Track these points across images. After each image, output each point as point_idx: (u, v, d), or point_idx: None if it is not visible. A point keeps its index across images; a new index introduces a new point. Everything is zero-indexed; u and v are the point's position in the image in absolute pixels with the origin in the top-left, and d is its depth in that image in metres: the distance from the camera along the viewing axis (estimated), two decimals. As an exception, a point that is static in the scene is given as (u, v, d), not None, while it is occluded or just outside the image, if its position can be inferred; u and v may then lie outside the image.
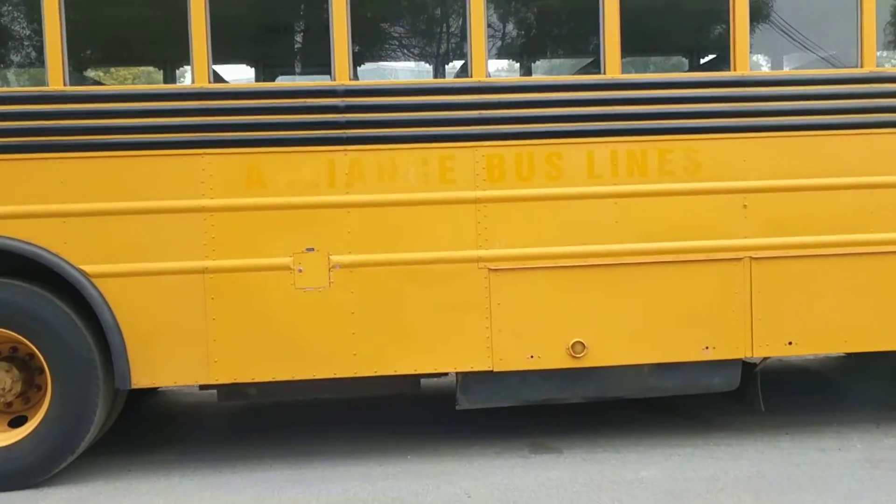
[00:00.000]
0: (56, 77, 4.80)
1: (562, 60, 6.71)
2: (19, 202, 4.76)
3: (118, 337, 4.84)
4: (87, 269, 4.80)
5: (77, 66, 6.06)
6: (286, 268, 4.94)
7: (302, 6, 5.66)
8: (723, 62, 5.32)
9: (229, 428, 6.13)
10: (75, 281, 4.79)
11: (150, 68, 7.93)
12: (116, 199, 4.83)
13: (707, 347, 5.17)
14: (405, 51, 6.11)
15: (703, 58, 6.34)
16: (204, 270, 4.89)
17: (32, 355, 4.90)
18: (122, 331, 4.84)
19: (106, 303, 4.83)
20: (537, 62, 6.78)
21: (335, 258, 4.96)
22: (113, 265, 4.84)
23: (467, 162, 5.00)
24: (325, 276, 4.96)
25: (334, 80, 4.95)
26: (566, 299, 5.08)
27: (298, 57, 6.28)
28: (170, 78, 6.71)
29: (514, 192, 5.03)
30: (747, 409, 5.60)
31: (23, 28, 5.70)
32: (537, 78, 5.27)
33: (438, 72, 5.99)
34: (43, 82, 4.84)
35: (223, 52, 5.97)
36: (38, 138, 4.77)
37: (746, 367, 5.37)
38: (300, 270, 4.94)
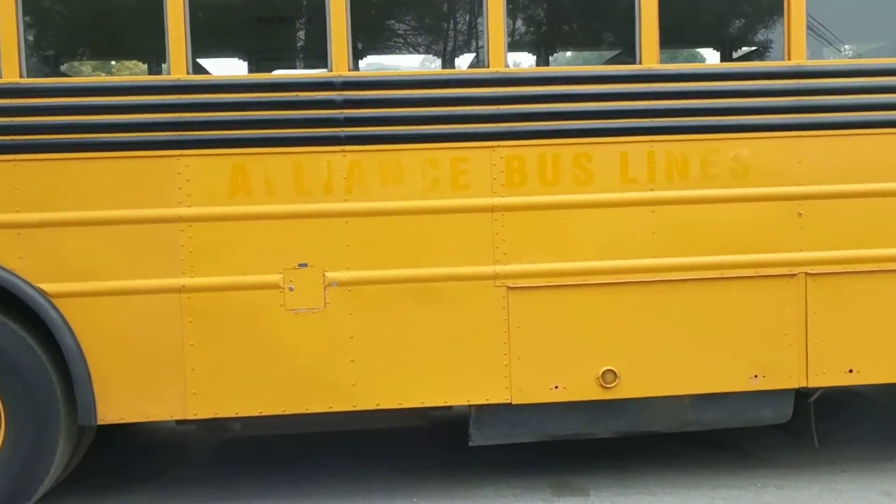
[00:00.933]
0: (10, 68, 4.16)
1: (586, 53, 6.05)
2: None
3: (82, 366, 4.19)
4: (46, 287, 4.16)
5: (44, 58, 5.44)
6: (275, 286, 4.30)
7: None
8: (768, 51, 4.69)
9: (213, 462, 5.49)
10: (32, 301, 4.15)
11: (133, 62, 7.31)
12: (80, 207, 4.19)
13: (756, 376, 4.52)
14: (410, 42, 5.45)
15: (738, 49, 5.69)
16: (181, 289, 4.25)
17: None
18: (86, 359, 4.20)
19: (68, 326, 4.19)
20: (556, 55, 6.14)
21: (331, 275, 4.32)
22: (76, 283, 4.20)
23: (483, 164, 4.36)
24: (320, 296, 4.32)
25: (331, 71, 4.31)
26: (595, 322, 4.44)
27: (297, 50, 5.63)
28: (154, 72, 6.08)
29: (536, 199, 4.39)
30: (798, 442, 4.95)
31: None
32: (564, 68, 4.65)
33: (447, 66, 5.34)
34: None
35: (211, 44, 5.37)
36: (-10, 137, 4.15)
37: (798, 396, 4.72)
38: (291, 289, 4.31)
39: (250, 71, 6.12)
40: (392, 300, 4.36)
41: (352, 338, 4.35)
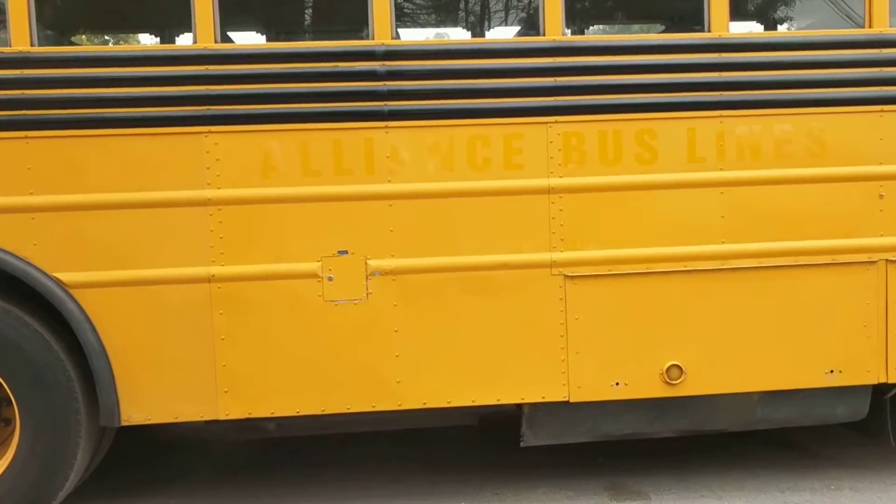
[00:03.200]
0: (21, 36, 3.78)
1: (637, 25, 5.64)
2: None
3: (103, 362, 3.84)
4: (64, 277, 3.80)
5: (55, 28, 5.03)
6: (313, 275, 3.94)
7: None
8: (844, 19, 4.30)
9: (247, 461, 5.14)
10: (48, 293, 3.79)
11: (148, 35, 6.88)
12: (99, 189, 3.82)
13: (832, 371, 4.18)
14: (455, 9, 5.04)
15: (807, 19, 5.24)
16: (210, 279, 3.89)
17: (-1, 384, 3.92)
18: (108, 355, 3.85)
19: (88, 320, 3.83)
20: (617, 26, 5.72)
21: (374, 263, 3.96)
22: (96, 273, 3.84)
23: (539, 142, 3.99)
24: (362, 286, 3.97)
25: (373, 39, 3.93)
26: (660, 313, 4.08)
27: (332, 19, 5.21)
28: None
29: (596, 180, 4.02)
30: (873, 442, 4.62)
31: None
32: (627, 36, 4.27)
33: (497, 35, 4.93)
34: (5, 43, 3.83)
35: (238, 14, 4.95)
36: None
37: (874, 392, 4.37)
38: (330, 279, 3.95)
39: (272, 37, 5.75)
40: (440, 291, 4.00)
41: (396, 331, 3.99)
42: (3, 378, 3.82)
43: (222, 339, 3.92)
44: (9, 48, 3.77)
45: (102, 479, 4.44)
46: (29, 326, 3.81)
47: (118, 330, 3.86)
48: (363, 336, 3.98)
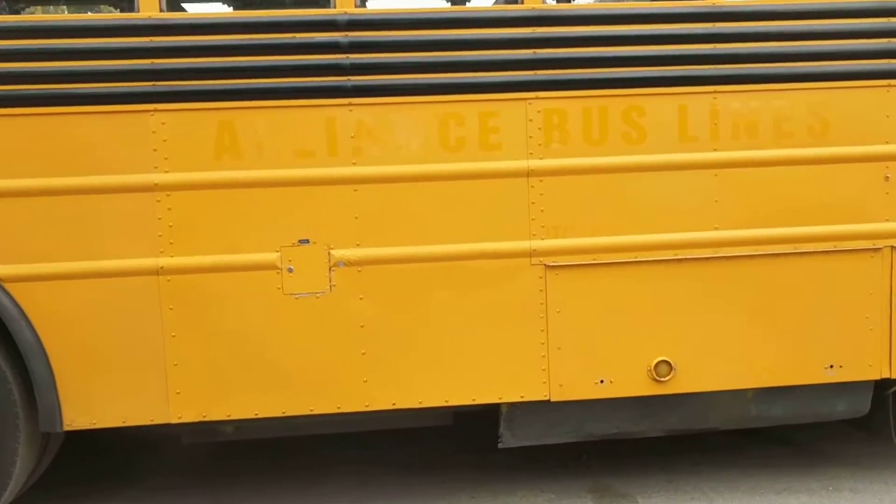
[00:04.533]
0: (-55, 2, 3.43)
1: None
2: None
3: (42, 362, 3.52)
4: (-3, 270, 3.49)
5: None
6: (272, 266, 3.62)
7: None
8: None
9: (210, 461, 4.84)
10: (-22, 287, 3.48)
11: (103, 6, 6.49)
12: (35, 174, 3.48)
13: (832, 366, 3.90)
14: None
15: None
16: (158, 271, 3.56)
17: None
18: (47, 354, 3.53)
19: (25, 316, 3.51)
20: None
21: (338, 253, 3.64)
22: (33, 265, 3.51)
23: (517, 119, 3.66)
24: (325, 278, 3.65)
25: (334, 7, 3.58)
26: (648, 305, 3.79)
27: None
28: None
29: (580, 162, 3.71)
30: (874, 439, 4.36)
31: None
32: (612, 4, 3.92)
33: (474, 3, 4.57)
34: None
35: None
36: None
37: (875, 388, 4.10)
38: (290, 270, 3.63)
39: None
40: (409, 282, 3.69)
41: (362, 327, 3.68)
42: (-67, 380, 3.52)
43: (173, 337, 3.61)
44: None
45: (57, 482, 4.15)
46: (-42, 324, 3.49)
47: (58, 327, 3.54)
48: (326, 332, 3.67)
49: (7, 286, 3.48)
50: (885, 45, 3.79)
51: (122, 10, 5.15)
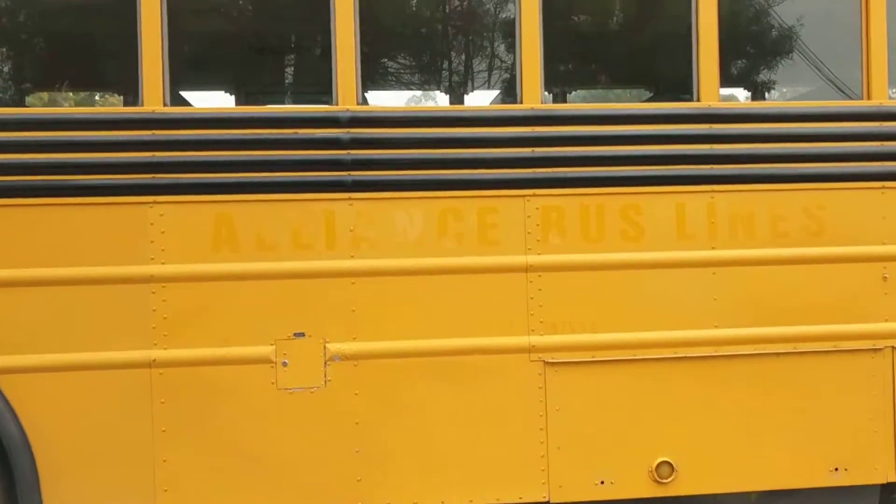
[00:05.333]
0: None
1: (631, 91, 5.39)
2: None
3: (26, 457, 3.43)
4: (-15, 361, 3.42)
5: (6, 86, 4.73)
6: (266, 360, 3.57)
7: (295, 12, 4.34)
8: (842, 89, 4.07)
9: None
10: (-36, 379, 3.40)
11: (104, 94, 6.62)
12: (29, 263, 3.46)
13: (837, 469, 3.81)
14: (426, 74, 4.77)
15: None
16: (151, 363, 3.50)
17: None
18: (32, 449, 3.43)
19: (10, 409, 3.43)
20: (595, 91, 5.47)
21: (334, 347, 3.59)
22: (22, 357, 3.45)
23: (516, 216, 3.68)
24: (320, 372, 3.59)
25: (337, 104, 3.64)
26: (649, 404, 3.73)
27: (293, 81, 4.94)
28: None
29: (578, 258, 3.70)
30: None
31: None
32: (611, 106, 3.99)
33: (471, 102, 4.66)
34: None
35: (192, 73, 4.66)
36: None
37: (882, 492, 4.00)
38: (285, 364, 3.57)
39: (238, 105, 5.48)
40: (406, 378, 3.63)
41: (357, 423, 3.61)
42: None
43: (163, 431, 3.52)
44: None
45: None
46: (-58, 417, 3.40)
47: (45, 421, 3.46)
48: (320, 428, 3.59)
49: (-6, 378, 3.42)
50: (878, 148, 3.85)
51: (124, 99, 5.32)
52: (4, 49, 4.24)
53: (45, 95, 6.03)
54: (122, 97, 5.58)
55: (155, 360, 3.51)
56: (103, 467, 3.50)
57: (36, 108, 4.71)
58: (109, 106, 8.56)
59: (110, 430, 3.51)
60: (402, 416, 3.63)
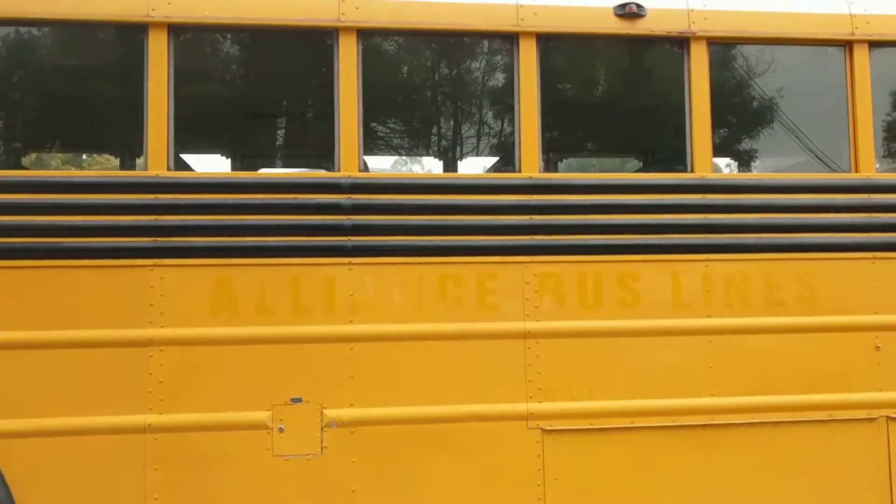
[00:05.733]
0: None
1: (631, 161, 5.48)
2: None
3: (13, 525, 3.35)
4: (-25, 425, 3.36)
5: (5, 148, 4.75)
6: (262, 426, 3.53)
7: (298, 80, 4.43)
8: (832, 162, 4.17)
9: None
10: (-45, 444, 3.34)
11: (104, 155, 6.67)
12: (23, 326, 3.43)
13: (834, 540, 3.79)
14: (424, 142, 4.86)
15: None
16: (146, 429, 3.46)
17: None
18: (19, 517, 3.36)
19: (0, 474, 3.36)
20: (567, 159, 5.60)
21: (331, 413, 3.57)
22: (13, 421, 3.39)
23: (514, 282, 3.70)
24: (317, 439, 3.56)
25: (338, 171, 3.69)
26: (646, 472, 3.71)
27: (294, 147, 5.01)
28: (128, 167, 5.44)
29: (576, 325, 3.73)
30: None
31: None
32: (607, 175, 4.06)
33: (468, 170, 4.74)
34: None
35: (193, 138, 4.71)
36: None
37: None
38: (281, 430, 3.54)
39: (235, 169, 5.53)
40: (403, 445, 3.60)
41: (353, 491, 3.55)
42: None
43: (155, 499, 3.45)
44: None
45: None
46: (-72, 483, 3.32)
47: (34, 487, 3.39)
48: (316, 497, 3.53)
49: (-15, 442, 3.35)
50: (867, 219, 3.93)
51: (121, 161, 5.36)
52: (3, 112, 4.27)
53: (34, 156, 6.06)
54: (118, 158, 5.65)
55: (150, 424, 3.46)
56: (92, 537, 3.42)
57: (39, 171, 4.73)
58: (98, 167, 8.61)
59: (101, 497, 3.43)
60: (398, 485, 3.58)
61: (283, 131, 4.84)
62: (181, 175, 3.66)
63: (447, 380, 3.65)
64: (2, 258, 3.45)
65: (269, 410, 3.54)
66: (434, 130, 4.76)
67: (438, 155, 4.75)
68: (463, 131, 4.69)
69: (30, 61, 4.01)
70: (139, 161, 5.41)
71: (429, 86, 4.39)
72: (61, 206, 3.52)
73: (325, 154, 3.88)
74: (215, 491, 3.49)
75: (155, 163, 3.55)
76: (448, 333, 3.67)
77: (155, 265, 3.51)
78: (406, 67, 4.26)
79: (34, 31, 3.86)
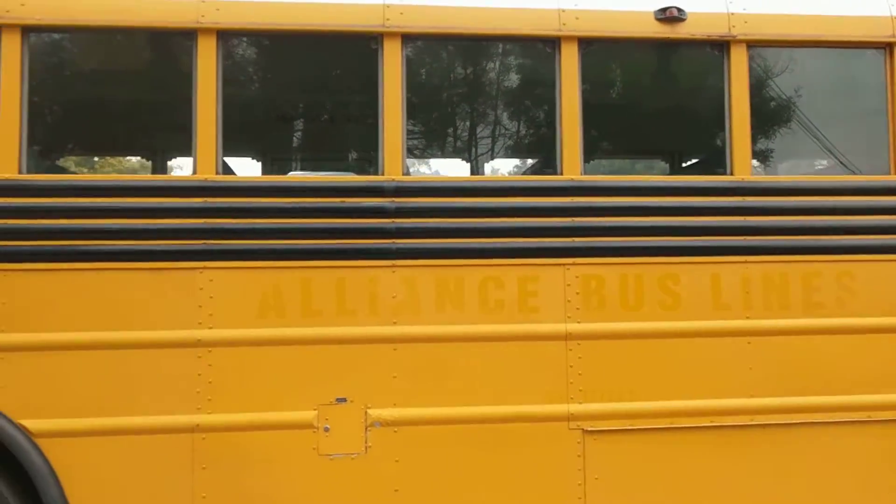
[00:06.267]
0: (10, 163, 3.53)
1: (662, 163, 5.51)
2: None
3: (66, 522, 3.42)
4: (31, 425, 3.41)
5: (46, 152, 4.83)
6: (308, 425, 3.58)
7: (341, 84, 4.47)
8: (869, 165, 4.19)
9: None
10: (12, 443, 3.39)
11: (136, 159, 6.75)
12: (77, 328, 3.49)
13: (877, 541, 3.81)
14: (465, 146, 4.90)
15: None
16: (194, 429, 3.52)
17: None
18: (71, 514, 3.43)
19: (53, 473, 3.42)
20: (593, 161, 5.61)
21: (375, 413, 3.62)
22: (66, 420, 3.45)
23: (556, 284, 3.74)
24: (361, 438, 3.61)
25: (382, 175, 3.73)
26: (686, 472, 3.74)
27: (336, 151, 5.06)
28: (160, 170, 5.53)
29: (617, 326, 3.76)
30: None
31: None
32: (649, 178, 4.10)
33: (511, 173, 4.78)
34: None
35: (237, 141, 4.78)
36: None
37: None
38: (326, 429, 3.59)
39: (266, 172, 5.61)
40: (446, 445, 3.64)
41: (397, 491, 3.61)
42: (-52, 539, 3.38)
43: (203, 498, 3.51)
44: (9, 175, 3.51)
45: None
46: (-15, 483, 3.39)
47: (85, 486, 3.45)
48: (360, 495, 3.58)
49: (39, 441, 3.41)
50: (905, 221, 3.96)
51: (153, 164, 5.43)
52: (53, 115, 4.34)
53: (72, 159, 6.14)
54: (149, 161, 5.73)
55: (198, 424, 3.52)
56: (141, 534, 3.48)
57: (101, 174, 4.80)
58: (110, 168, 8.67)
59: (151, 496, 3.50)
60: (441, 485, 3.63)
61: (322, 135, 4.89)
62: (229, 179, 3.72)
63: (489, 381, 3.69)
64: (53, 260, 3.52)
65: (314, 410, 3.59)
66: (475, 133, 4.81)
67: (474, 158, 4.79)
68: (501, 134, 4.74)
69: (79, 66, 4.09)
70: (170, 164, 5.54)
71: (469, 90, 4.44)
72: (108, 210, 3.58)
73: (364, 157, 3.94)
74: (262, 489, 3.54)
75: (204, 167, 3.60)
76: (490, 335, 3.71)
77: (204, 268, 3.57)
78: (448, 72, 4.30)
79: (86, 36, 3.91)
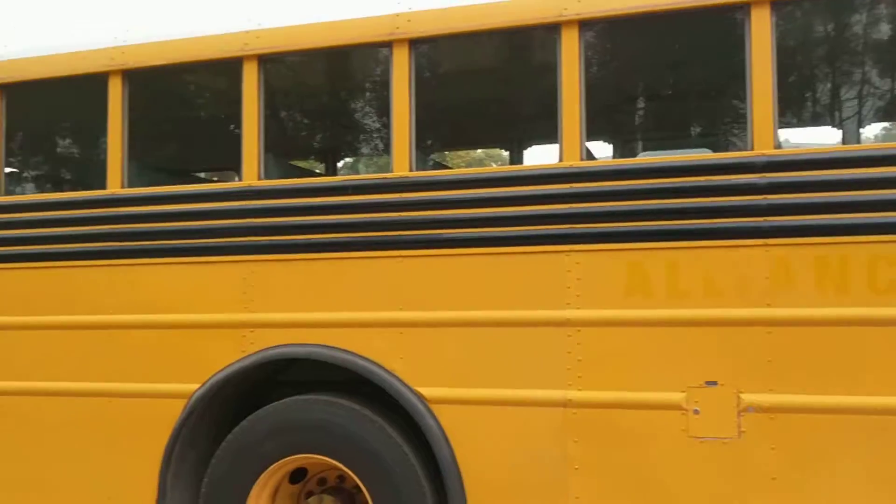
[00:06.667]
0: (402, 163, 3.98)
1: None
2: (351, 308, 4.00)
3: (457, 480, 3.80)
4: (426, 392, 3.86)
5: (425, 148, 5.39)
6: (676, 407, 3.57)
7: (703, 59, 4.34)
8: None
9: None
10: (411, 407, 3.87)
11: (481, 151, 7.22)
12: (458, 307, 3.86)
13: None
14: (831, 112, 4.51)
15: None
16: (566, 403, 3.70)
17: (359, 489, 4.04)
18: (461, 472, 3.81)
19: (445, 436, 3.84)
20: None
21: (748, 397, 3.49)
22: (452, 389, 3.84)
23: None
24: (733, 423, 3.51)
25: (752, 150, 3.57)
26: None
27: (681, 125, 4.99)
28: (517, 161, 5.88)
29: None
30: None
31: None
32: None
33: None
34: (386, 169, 4.09)
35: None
36: (380, 234, 3.97)
37: None
38: (696, 412, 3.55)
39: (614, 155, 5.67)
40: (825, 435, 3.40)
41: (773, 479, 3.45)
42: (366, 487, 3.94)
43: (576, 469, 3.69)
44: (391, 174, 4.00)
45: None
46: (391, 439, 3.90)
47: (470, 448, 3.81)
48: (732, 480, 3.49)
49: (433, 407, 3.85)
50: None
51: (510, 154, 5.76)
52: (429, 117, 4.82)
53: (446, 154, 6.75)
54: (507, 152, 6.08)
55: (570, 400, 3.69)
56: (520, 496, 3.74)
57: (471, 168, 5.31)
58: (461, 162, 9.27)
59: (526, 462, 3.75)
60: (820, 476, 3.40)
61: (678, 114, 4.83)
62: (592, 164, 3.82)
63: (876, 370, 3.36)
64: (438, 247, 3.90)
65: (683, 392, 3.57)
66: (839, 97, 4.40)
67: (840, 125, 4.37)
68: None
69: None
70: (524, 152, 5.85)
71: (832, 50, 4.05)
72: (478, 201, 3.86)
73: (722, 133, 3.80)
74: (632, 465, 3.61)
75: (569, 154, 3.75)
76: (878, 319, 3.37)
77: (571, 251, 3.73)
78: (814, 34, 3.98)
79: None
